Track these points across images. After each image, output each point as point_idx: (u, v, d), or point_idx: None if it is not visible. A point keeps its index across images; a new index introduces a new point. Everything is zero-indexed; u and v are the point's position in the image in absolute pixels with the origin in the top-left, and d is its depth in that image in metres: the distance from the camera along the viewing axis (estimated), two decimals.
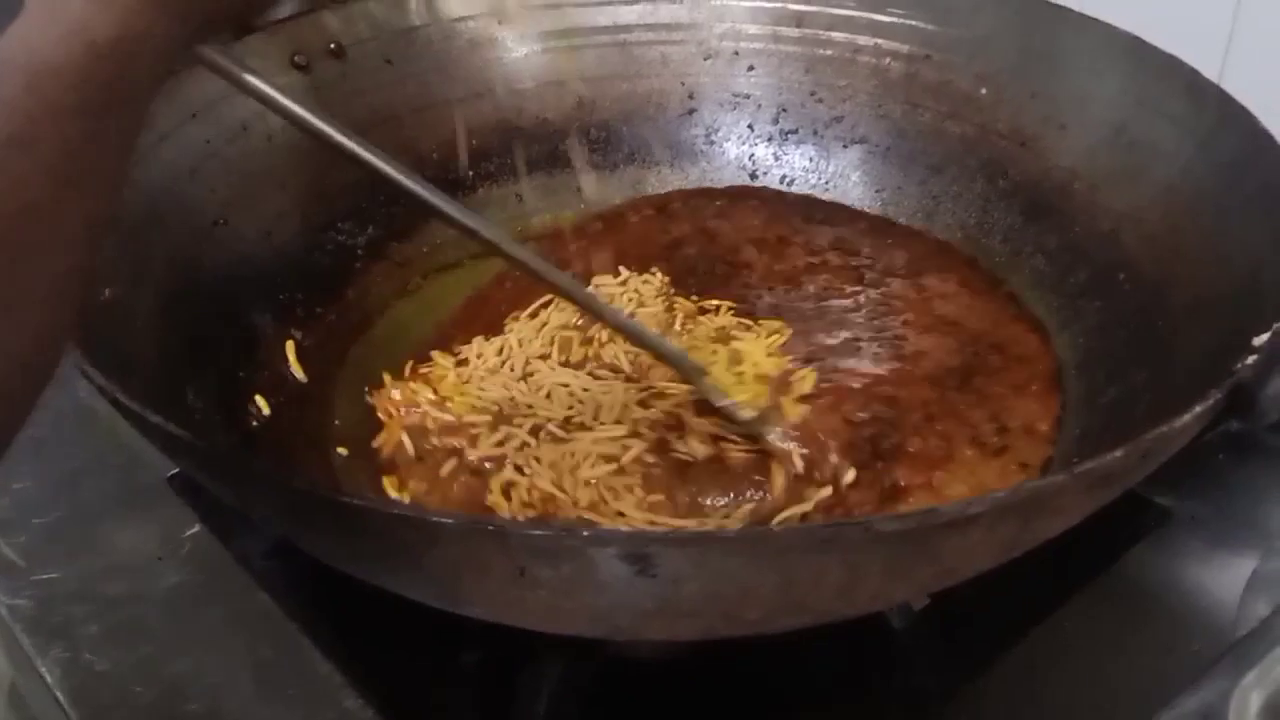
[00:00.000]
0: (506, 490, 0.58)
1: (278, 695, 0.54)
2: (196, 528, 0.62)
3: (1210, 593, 0.59)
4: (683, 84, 0.80)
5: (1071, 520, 0.45)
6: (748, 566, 0.39)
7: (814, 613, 0.44)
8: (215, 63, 0.47)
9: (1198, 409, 0.43)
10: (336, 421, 0.64)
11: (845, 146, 0.78)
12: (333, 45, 0.73)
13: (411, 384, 0.65)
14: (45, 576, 0.59)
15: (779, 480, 0.59)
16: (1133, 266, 0.62)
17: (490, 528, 0.38)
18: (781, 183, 0.80)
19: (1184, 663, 0.55)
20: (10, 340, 0.35)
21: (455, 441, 0.60)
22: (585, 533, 0.37)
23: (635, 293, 0.71)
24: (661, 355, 0.61)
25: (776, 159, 0.80)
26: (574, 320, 0.69)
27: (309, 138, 0.51)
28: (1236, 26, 0.76)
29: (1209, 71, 0.63)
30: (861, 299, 0.71)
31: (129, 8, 0.37)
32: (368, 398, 0.65)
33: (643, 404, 0.63)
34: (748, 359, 0.65)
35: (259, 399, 0.61)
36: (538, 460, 0.59)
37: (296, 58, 0.71)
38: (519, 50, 0.79)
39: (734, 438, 0.61)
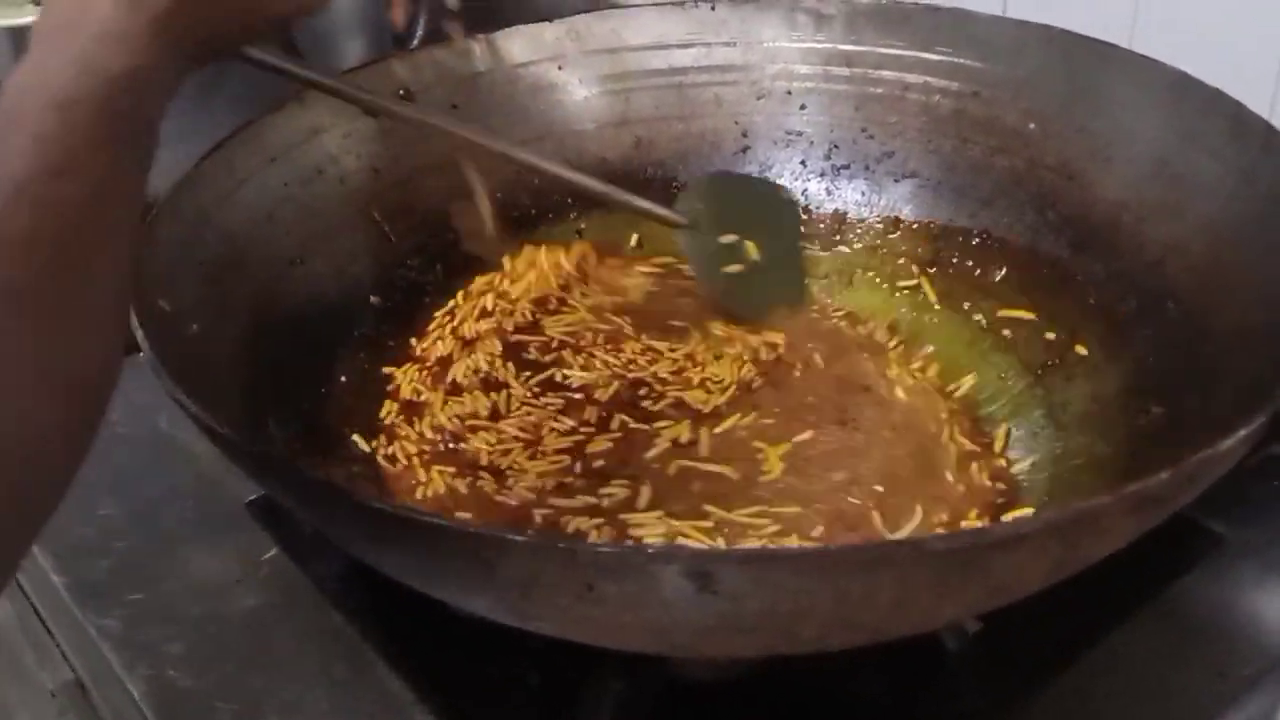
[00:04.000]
0: None
1: (352, 712, 0.56)
2: (273, 552, 0.64)
3: (1263, 618, 0.60)
4: (736, 123, 0.82)
5: (1119, 542, 0.46)
6: (805, 583, 0.41)
7: (868, 630, 0.45)
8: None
9: (1242, 432, 0.44)
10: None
11: (896, 181, 0.80)
12: (401, 91, 0.76)
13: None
14: (130, 598, 0.62)
15: None
16: (1178, 295, 0.63)
17: (560, 545, 0.40)
18: (834, 217, 0.82)
19: (1236, 688, 0.56)
20: (70, 359, 0.37)
21: None
22: (651, 550, 0.39)
23: None
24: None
25: (829, 194, 0.81)
26: None
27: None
28: None
29: (1259, 107, 0.63)
30: None
31: (135, 46, 0.40)
32: None
33: None
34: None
35: (333, 428, 0.64)
36: None
37: None
38: (579, 94, 0.81)
39: None
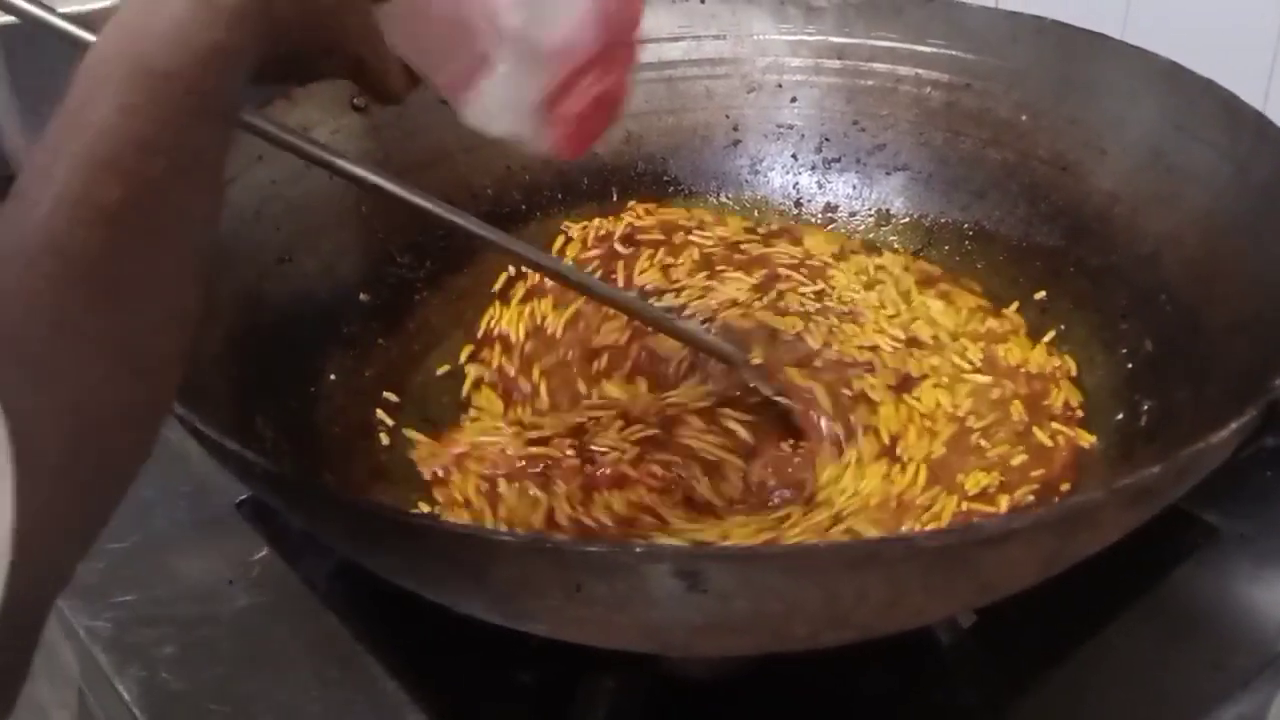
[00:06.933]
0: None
1: (345, 712, 0.55)
2: (264, 552, 0.64)
3: (1257, 609, 0.60)
4: (727, 116, 0.82)
5: (1111, 537, 0.46)
6: (794, 582, 0.40)
7: (859, 628, 0.45)
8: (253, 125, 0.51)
9: (1234, 426, 0.44)
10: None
11: (888, 174, 0.80)
12: None
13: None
14: (121, 600, 0.61)
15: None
16: (1172, 288, 0.63)
17: (548, 545, 0.40)
18: (826, 210, 0.81)
19: (1231, 679, 0.56)
20: (137, 335, 0.36)
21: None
22: (638, 549, 0.39)
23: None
24: (708, 348, 0.66)
25: (820, 187, 0.81)
26: None
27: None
28: None
29: (1253, 97, 0.63)
30: None
31: (224, 21, 0.39)
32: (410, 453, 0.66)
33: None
34: None
35: (322, 426, 0.64)
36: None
37: (355, 100, 0.74)
38: None
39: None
